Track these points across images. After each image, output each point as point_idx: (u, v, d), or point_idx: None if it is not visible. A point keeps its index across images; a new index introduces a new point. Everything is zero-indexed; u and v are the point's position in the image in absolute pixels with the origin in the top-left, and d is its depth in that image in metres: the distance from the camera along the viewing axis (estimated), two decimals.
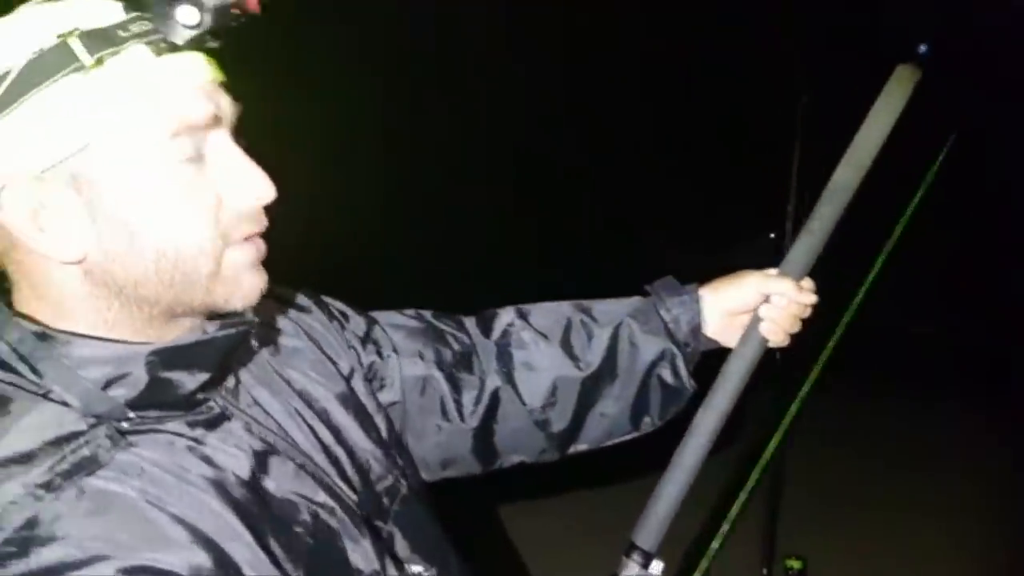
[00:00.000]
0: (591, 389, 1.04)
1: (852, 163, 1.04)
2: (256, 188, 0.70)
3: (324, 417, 0.84)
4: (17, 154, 0.63)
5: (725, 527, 1.12)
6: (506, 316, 1.09)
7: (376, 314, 1.06)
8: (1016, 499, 3.23)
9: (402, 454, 0.94)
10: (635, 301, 1.08)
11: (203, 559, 0.62)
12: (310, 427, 0.81)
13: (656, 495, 1.00)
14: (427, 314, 1.09)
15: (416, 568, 0.83)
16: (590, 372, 1.03)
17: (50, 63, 0.61)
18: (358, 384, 0.93)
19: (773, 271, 1.04)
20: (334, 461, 0.81)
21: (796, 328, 1.04)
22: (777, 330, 1.01)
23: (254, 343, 0.80)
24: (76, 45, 0.62)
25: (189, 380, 0.69)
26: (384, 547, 0.80)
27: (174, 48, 0.65)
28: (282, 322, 0.90)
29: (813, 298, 1.03)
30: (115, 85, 0.63)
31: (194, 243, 0.67)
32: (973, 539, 2.97)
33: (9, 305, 0.70)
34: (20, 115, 0.62)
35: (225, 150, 0.69)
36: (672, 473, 1.00)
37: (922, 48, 1.13)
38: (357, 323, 1.01)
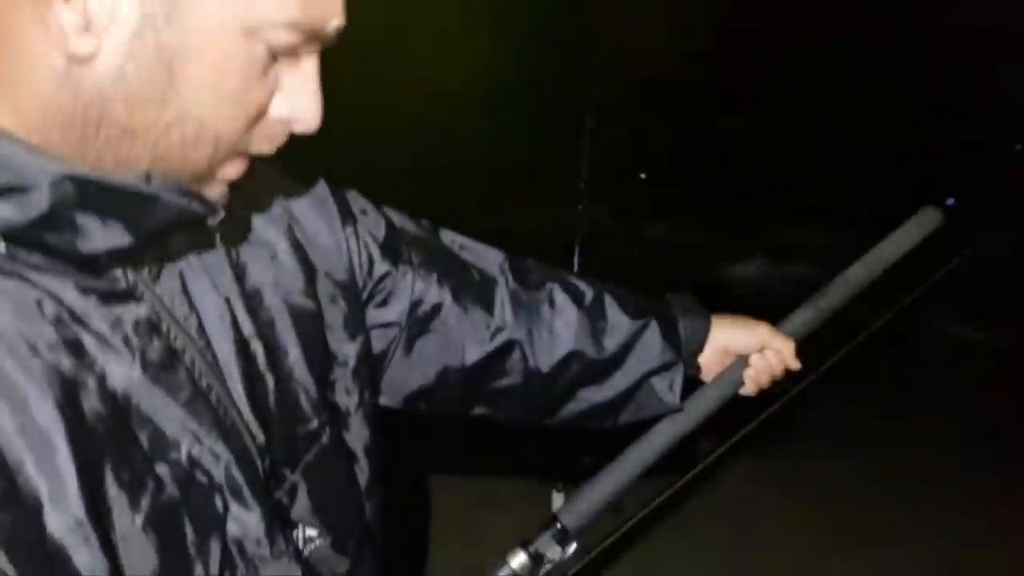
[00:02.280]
0: (593, 373, 1.05)
1: (867, 266, 1.16)
2: (310, 113, 0.61)
3: (266, 332, 0.71)
4: None
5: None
6: (541, 269, 1.06)
7: (396, 217, 0.97)
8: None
9: (365, 385, 0.85)
10: (660, 304, 1.09)
11: None
12: (242, 340, 0.67)
13: (594, 483, 1.04)
14: (449, 235, 1.03)
15: (310, 532, 0.74)
16: (603, 357, 1.04)
17: None
18: (341, 300, 0.83)
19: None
20: (253, 390, 0.67)
21: (767, 385, 1.11)
22: (757, 380, 1.09)
23: (216, 233, 0.67)
24: None
25: (99, 234, 0.54)
26: (278, 509, 0.69)
27: None
28: (275, 209, 0.78)
29: (798, 365, 1.10)
30: None
31: (218, 135, 0.56)
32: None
33: None
34: None
35: (307, 65, 0.60)
36: (617, 468, 1.04)
37: (950, 201, 1.25)
38: (377, 226, 0.92)
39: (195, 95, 0.54)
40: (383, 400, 1.00)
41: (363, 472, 0.85)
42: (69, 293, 0.54)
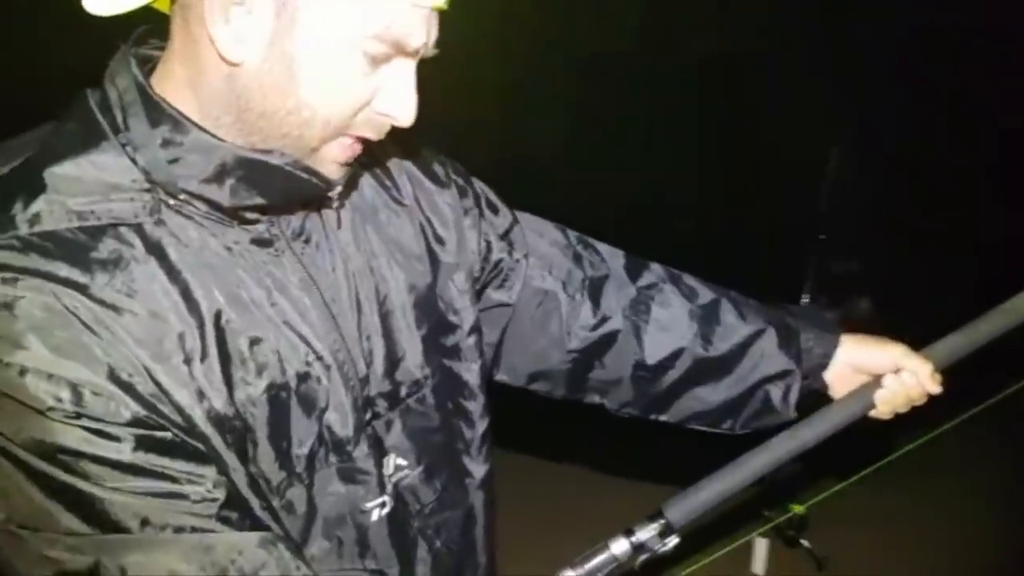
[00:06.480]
0: (703, 372, 1.08)
1: None
2: (404, 111, 0.74)
3: (380, 293, 0.86)
4: None
5: None
6: (659, 270, 1.12)
7: (523, 215, 1.08)
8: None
9: (480, 354, 0.97)
10: (782, 316, 1.10)
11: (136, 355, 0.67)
12: (358, 295, 0.84)
13: (705, 483, 1.06)
14: (574, 234, 1.12)
15: (399, 460, 0.87)
16: (713, 356, 1.07)
17: None
18: (458, 278, 0.94)
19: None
20: (363, 334, 0.84)
21: (904, 410, 1.07)
22: (891, 402, 1.05)
23: (334, 201, 0.82)
24: None
25: (245, 195, 0.72)
26: (369, 426, 0.84)
27: None
28: (404, 189, 0.92)
29: (938, 390, 1.05)
30: None
31: (326, 118, 0.71)
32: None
33: (146, 62, 0.75)
34: None
35: (403, 70, 0.73)
36: (731, 471, 1.06)
37: None
38: (503, 218, 1.04)
39: (309, 88, 0.70)
40: (506, 378, 1.11)
41: (474, 431, 0.97)
42: (223, 231, 0.75)
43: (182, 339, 0.70)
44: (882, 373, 1.06)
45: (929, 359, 1.05)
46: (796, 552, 2.66)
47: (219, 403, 0.71)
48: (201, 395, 0.70)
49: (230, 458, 0.73)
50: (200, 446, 0.71)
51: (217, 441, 0.71)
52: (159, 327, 0.69)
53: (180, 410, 0.69)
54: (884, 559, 2.72)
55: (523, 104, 3.58)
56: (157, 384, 0.68)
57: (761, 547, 2.64)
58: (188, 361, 0.70)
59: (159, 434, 0.68)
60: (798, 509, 2.56)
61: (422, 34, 0.71)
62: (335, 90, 0.70)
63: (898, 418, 1.09)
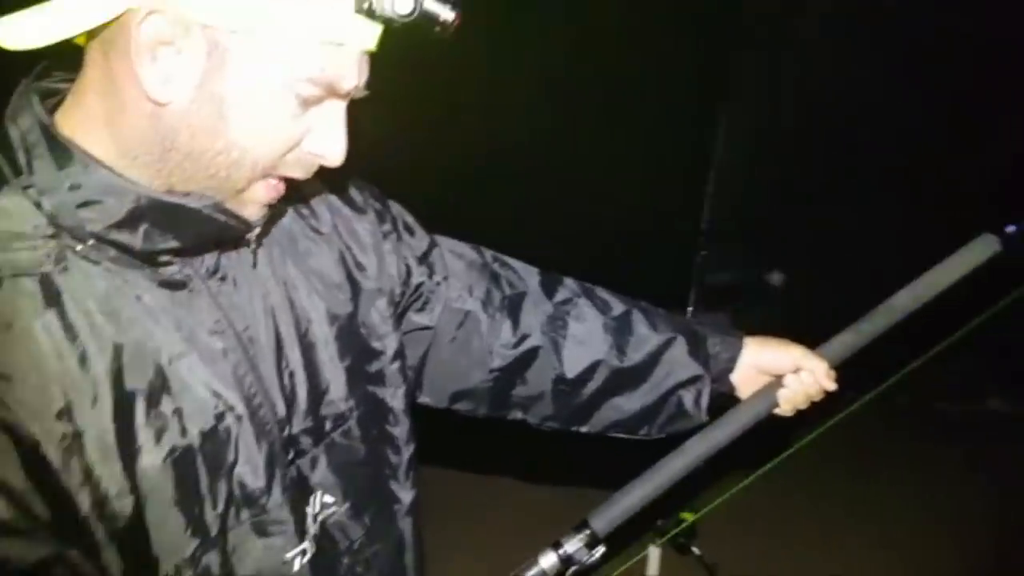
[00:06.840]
0: (620, 382, 1.11)
1: (914, 293, 1.15)
2: (334, 151, 0.73)
3: (300, 326, 0.84)
4: None
5: None
6: (573, 285, 1.15)
7: (440, 238, 1.09)
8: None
9: (404, 379, 0.95)
10: (689, 323, 1.15)
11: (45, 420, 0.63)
12: (278, 331, 0.81)
13: (626, 491, 1.09)
14: (489, 253, 1.13)
15: (327, 498, 0.85)
16: (627, 366, 1.10)
17: None
18: (380, 303, 0.94)
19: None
20: (284, 371, 0.81)
21: (805, 406, 1.13)
22: (793, 400, 1.11)
23: (251, 242, 0.79)
24: None
25: (159, 239, 0.69)
26: (291, 466, 0.80)
27: (367, 12, 0.67)
28: (322, 217, 0.91)
29: (833, 387, 1.12)
30: (311, 8, 0.65)
31: (255, 160, 0.69)
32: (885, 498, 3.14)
33: (52, 96, 0.71)
34: None
35: (334, 110, 0.72)
36: (649, 478, 1.09)
37: (1010, 228, 1.23)
38: (419, 241, 1.03)
39: (239, 130, 0.67)
40: (429, 400, 1.10)
41: (400, 456, 0.96)
42: (135, 277, 0.70)
43: (72, 409, 0.64)
44: (783, 373, 1.12)
45: (824, 358, 1.12)
46: (687, 560, 2.74)
47: (111, 481, 0.66)
48: (89, 474, 0.65)
49: (109, 553, 0.67)
50: (71, 552, 0.64)
51: (99, 534, 0.66)
52: (51, 396, 0.64)
53: (63, 499, 0.63)
54: (774, 560, 2.85)
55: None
56: (43, 464, 0.62)
57: (654, 556, 2.70)
58: (78, 435, 0.65)
59: (20, 550, 0.61)
60: (688, 516, 2.64)
61: (354, 76, 0.70)
62: (266, 131, 0.69)
63: (781, 421, 1.15)
